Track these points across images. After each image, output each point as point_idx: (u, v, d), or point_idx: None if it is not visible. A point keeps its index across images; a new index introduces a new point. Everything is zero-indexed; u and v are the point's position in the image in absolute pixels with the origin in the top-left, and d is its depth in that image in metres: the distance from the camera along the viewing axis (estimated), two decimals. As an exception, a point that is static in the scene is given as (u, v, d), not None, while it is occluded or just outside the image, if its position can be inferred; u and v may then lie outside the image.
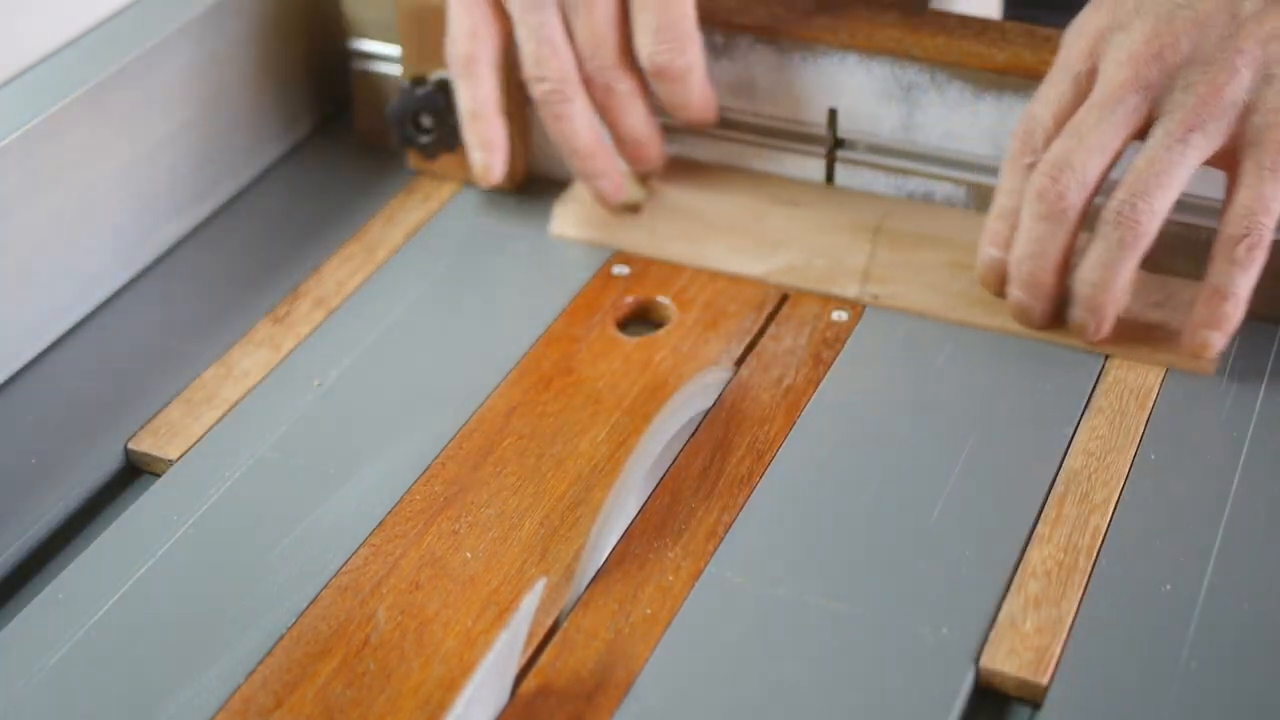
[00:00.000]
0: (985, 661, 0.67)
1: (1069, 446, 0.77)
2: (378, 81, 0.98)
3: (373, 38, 0.97)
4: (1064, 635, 0.68)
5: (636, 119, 0.89)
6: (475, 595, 0.72)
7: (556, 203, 0.92)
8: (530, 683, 0.69)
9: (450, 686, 0.69)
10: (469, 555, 0.74)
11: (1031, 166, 0.80)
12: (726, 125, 0.91)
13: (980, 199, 0.87)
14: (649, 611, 0.71)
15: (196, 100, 0.92)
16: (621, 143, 0.90)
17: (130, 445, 0.79)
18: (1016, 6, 1.14)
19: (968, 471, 0.76)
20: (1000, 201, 0.82)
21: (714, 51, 0.89)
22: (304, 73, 0.99)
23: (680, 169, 0.92)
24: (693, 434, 0.79)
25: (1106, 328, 0.81)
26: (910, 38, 0.85)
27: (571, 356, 0.83)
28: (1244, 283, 0.79)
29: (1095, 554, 0.71)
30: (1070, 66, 0.80)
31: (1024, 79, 0.83)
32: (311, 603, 0.72)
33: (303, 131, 1.00)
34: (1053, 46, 0.83)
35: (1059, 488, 0.75)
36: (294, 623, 0.71)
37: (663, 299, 0.86)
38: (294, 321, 0.86)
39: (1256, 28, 0.77)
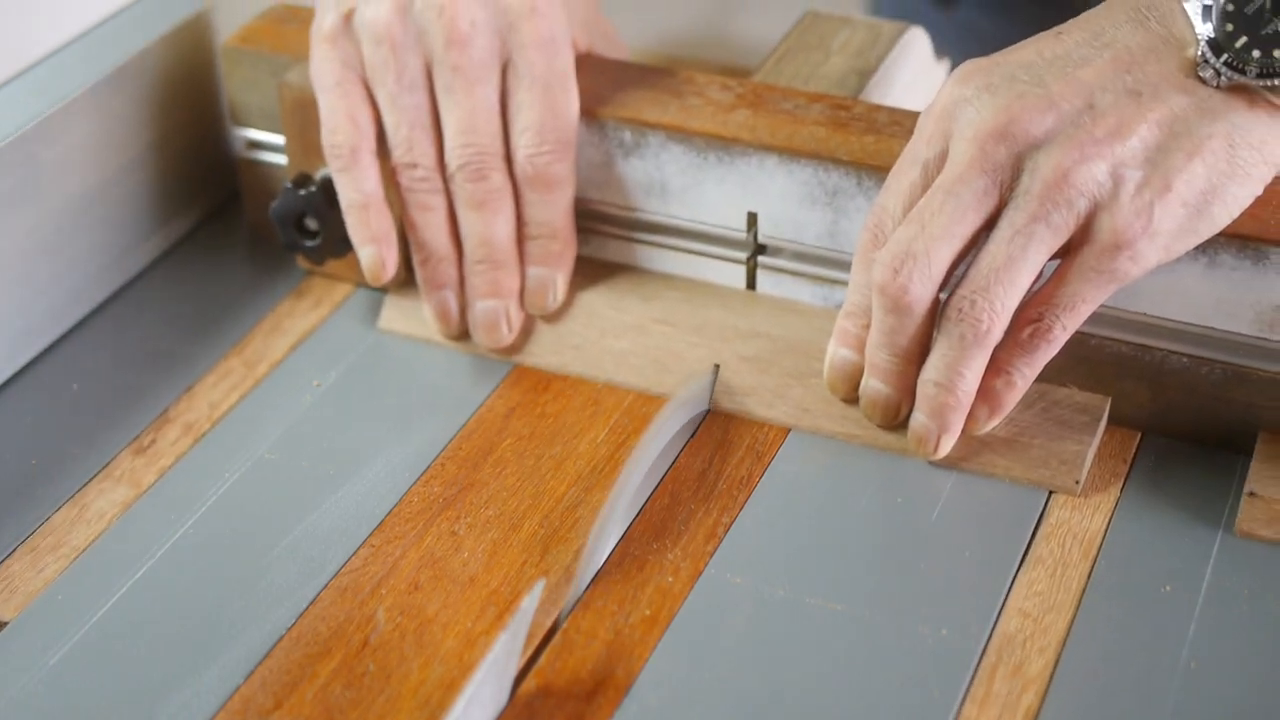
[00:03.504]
0: None
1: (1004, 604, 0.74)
2: (267, 171, 0.95)
3: (259, 126, 0.95)
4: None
5: (505, 227, 0.85)
6: (475, 596, 0.73)
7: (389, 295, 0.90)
8: (530, 683, 0.70)
9: (450, 687, 0.69)
10: (468, 556, 0.75)
11: None
12: (639, 228, 0.89)
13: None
14: (648, 612, 0.73)
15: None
16: (479, 261, 0.86)
17: None
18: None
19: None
20: (850, 299, 0.80)
21: (623, 149, 0.87)
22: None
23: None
24: (692, 435, 0.80)
25: (949, 441, 0.78)
26: (836, 137, 0.83)
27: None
28: (1020, 365, 0.77)
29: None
30: (918, 151, 0.77)
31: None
32: (311, 603, 0.73)
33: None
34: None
35: (990, 657, 0.71)
36: (294, 623, 0.72)
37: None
38: (159, 452, 0.83)
39: (1112, 118, 0.74)
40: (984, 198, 0.76)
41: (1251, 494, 0.78)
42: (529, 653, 0.70)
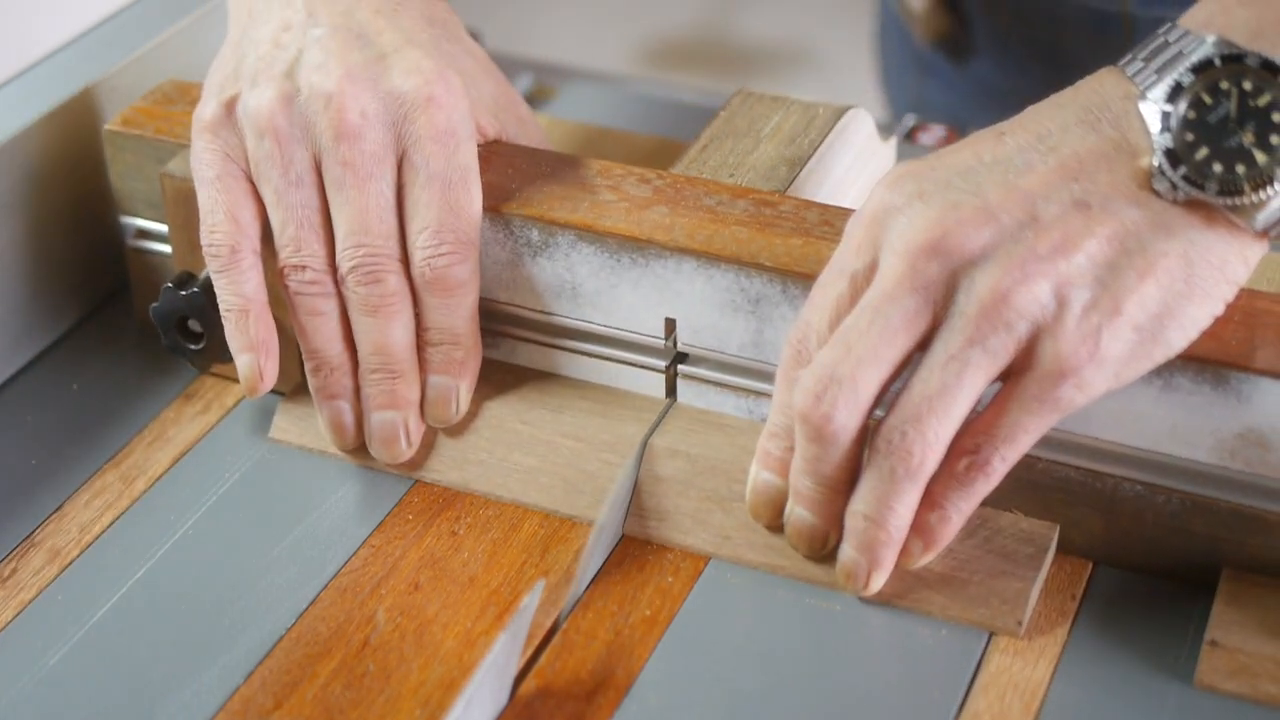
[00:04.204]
0: None
1: None
2: (157, 262, 0.88)
3: (146, 215, 0.88)
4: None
5: (403, 333, 0.78)
6: (475, 596, 0.73)
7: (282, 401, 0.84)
8: (530, 683, 0.70)
9: (450, 687, 0.69)
10: (468, 556, 0.75)
11: None
12: (551, 331, 0.82)
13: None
14: (648, 612, 0.73)
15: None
16: (374, 371, 0.79)
17: None
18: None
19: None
20: (774, 419, 0.74)
21: (530, 248, 0.80)
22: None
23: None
24: None
25: (880, 577, 0.71)
26: (759, 239, 0.76)
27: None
28: (956, 499, 0.71)
29: None
30: (846, 262, 0.71)
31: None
32: (311, 603, 0.73)
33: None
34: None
35: None
36: (294, 623, 0.72)
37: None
38: (20, 583, 0.76)
39: (1057, 233, 0.68)
40: (915, 318, 0.69)
41: (1213, 643, 0.70)
42: (529, 653, 0.71)
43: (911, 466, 0.69)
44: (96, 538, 0.78)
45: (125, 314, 0.92)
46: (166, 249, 0.88)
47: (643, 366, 0.82)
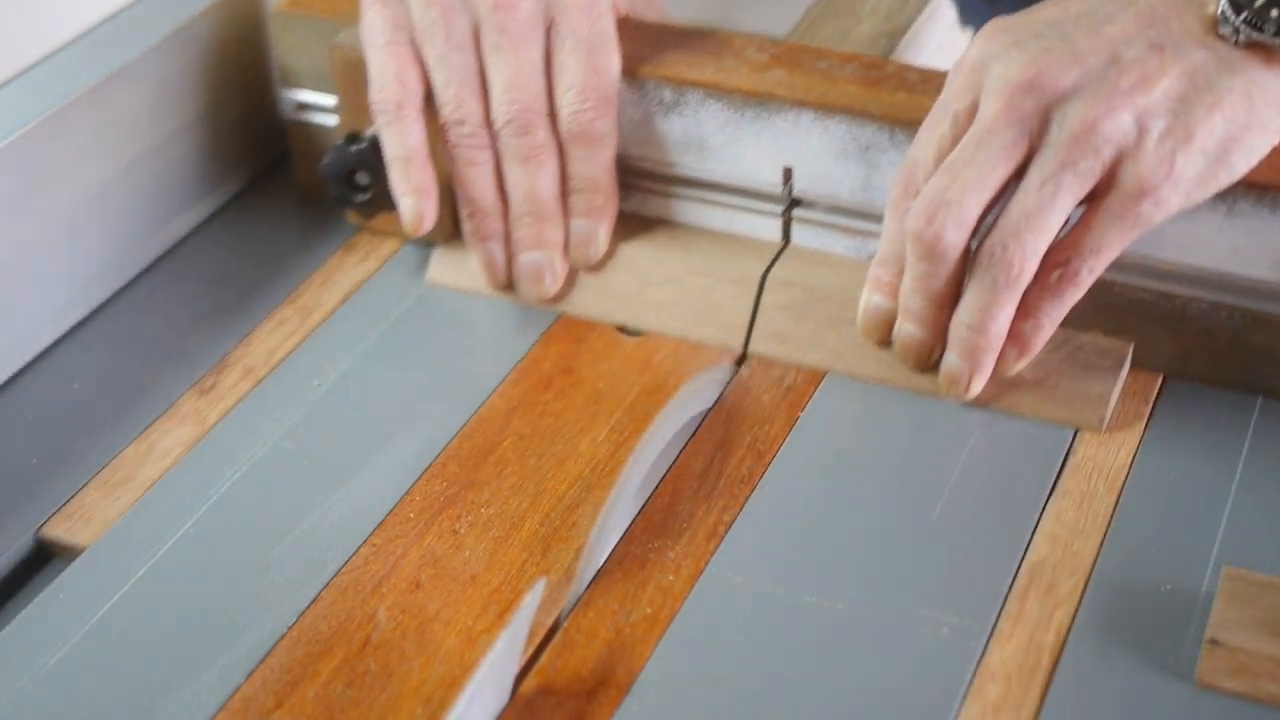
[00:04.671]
0: None
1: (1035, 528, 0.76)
2: (315, 132, 0.98)
3: (308, 88, 0.98)
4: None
5: (550, 181, 0.88)
6: (476, 595, 0.73)
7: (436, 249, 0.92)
8: (531, 682, 0.70)
9: (451, 686, 0.69)
10: (470, 555, 0.75)
11: None
12: (678, 182, 0.91)
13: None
14: (649, 611, 0.73)
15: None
16: (524, 214, 0.88)
17: (42, 532, 0.78)
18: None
19: (968, 470, 0.80)
20: (884, 248, 0.83)
21: (663, 107, 0.89)
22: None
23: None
24: (693, 434, 0.82)
25: (980, 381, 0.81)
26: (869, 94, 0.85)
27: (572, 356, 0.86)
28: (1048, 308, 0.80)
29: (1059, 651, 0.71)
30: (949, 104, 0.80)
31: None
32: (312, 602, 0.73)
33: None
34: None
35: (1022, 579, 0.74)
36: (294, 622, 0.72)
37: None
38: (220, 394, 0.85)
39: (1137, 72, 0.77)
40: (1013, 148, 0.79)
41: (1213, 642, 0.70)
42: (530, 651, 0.71)
43: (1011, 276, 0.79)
44: (284, 358, 0.87)
45: (280, 186, 1.01)
46: (325, 120, 0.98)
47: (761, 213, 0.92)
